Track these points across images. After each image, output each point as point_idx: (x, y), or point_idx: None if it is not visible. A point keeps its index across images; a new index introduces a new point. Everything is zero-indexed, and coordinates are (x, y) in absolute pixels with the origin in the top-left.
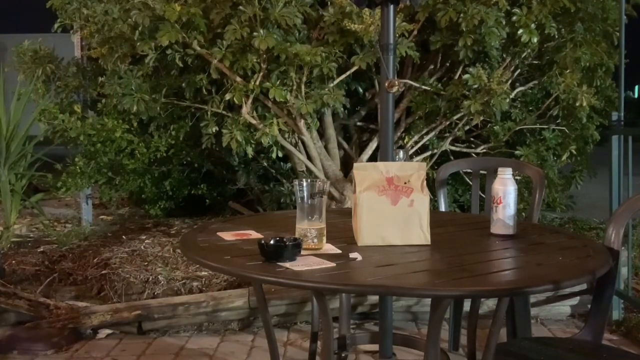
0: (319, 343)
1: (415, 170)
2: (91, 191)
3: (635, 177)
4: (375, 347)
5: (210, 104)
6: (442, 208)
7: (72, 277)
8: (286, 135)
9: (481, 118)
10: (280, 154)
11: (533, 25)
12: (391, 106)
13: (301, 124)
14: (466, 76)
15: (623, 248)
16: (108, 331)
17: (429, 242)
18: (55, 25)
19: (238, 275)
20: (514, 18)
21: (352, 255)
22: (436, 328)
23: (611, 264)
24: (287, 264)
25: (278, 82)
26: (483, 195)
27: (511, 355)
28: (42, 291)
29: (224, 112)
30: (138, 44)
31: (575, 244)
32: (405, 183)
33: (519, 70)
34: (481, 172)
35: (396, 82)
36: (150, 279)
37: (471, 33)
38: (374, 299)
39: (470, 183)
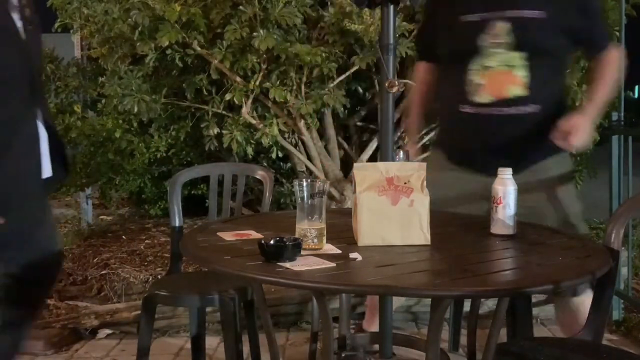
0: (319, 343)
1: (415, 170)
2: (91, 191)
3: (635, 177)
4: (375, 347)
5: (211, 105)
6: None
7: (72, 277)
8: (286, 136)
9: None
10: (280, 154)
11: None
12: (391, 106)
13: (301, 124)
14: None
15: (623, 248)
16: (108, 331)
17: (429, 242)
18: (56, 25)
19: (238, 276)
20: None
21: (352, 255)
22: (436, 328)
23: (611, 264)
24: (287, 264)
25: (278, 82)
26: None
27: (511, 355)
28: None
29: (224, 112)
30: (138, 44)
31: (575, 244)
32: (405, 183)
33: None
34: None
35: (396, 82)
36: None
37: None
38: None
39: None
